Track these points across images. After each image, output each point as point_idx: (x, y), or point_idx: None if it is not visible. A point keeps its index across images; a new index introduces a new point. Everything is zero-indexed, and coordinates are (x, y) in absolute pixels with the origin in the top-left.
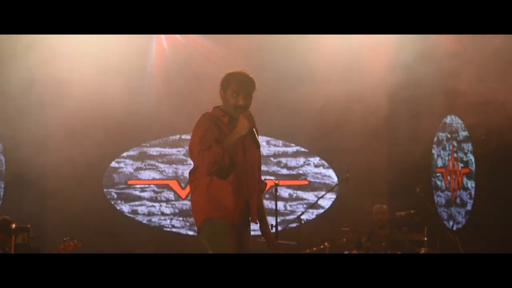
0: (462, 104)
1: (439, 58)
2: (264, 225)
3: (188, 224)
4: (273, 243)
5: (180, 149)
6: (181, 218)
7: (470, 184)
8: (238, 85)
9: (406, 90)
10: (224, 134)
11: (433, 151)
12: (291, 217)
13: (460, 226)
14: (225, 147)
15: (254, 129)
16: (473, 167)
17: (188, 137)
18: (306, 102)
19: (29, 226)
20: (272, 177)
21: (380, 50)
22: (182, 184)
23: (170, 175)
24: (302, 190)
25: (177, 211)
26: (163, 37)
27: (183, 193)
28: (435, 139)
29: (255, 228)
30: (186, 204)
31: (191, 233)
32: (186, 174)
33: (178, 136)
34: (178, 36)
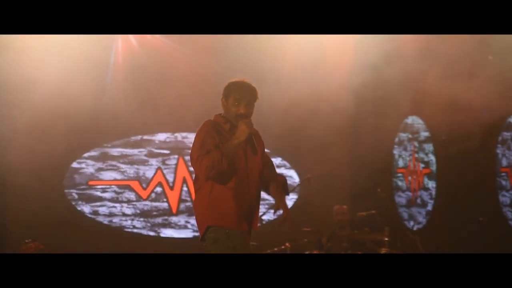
0: (428, 104)
1: (406, 58)
2: (274, 186)
3: (149, 225)
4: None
5: (142, 149)
6: (142, 219)
7: (431, 184)
8: (240, 94)
9: (373, 90)
10: (226, 140)
11: (394, 152)
12: None
13: (420, 226)
14: (224, 152)
15: (253, 135)
16: (434, 168)
17: (150, 137)
18: (270, 103)
19: None
20: None
21: (347, 50)
22: (144, 185)
23: (132, 175)
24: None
25: (138, 211)
26: (126, 37)
27: (144, 194)
28: (396, 139)
29: None
30: (148, 204)
31: (152, 233)
32: (148, 174)
33: (140, 136)
34: (141, 36)
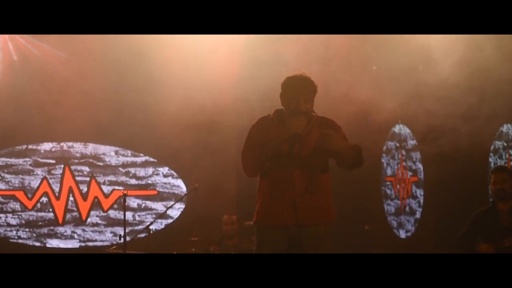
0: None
1: (289, 58)
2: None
3: (34, 235)
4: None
5: (27, 159)
6: (27, 229)
7: None
8: (297, 91)
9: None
10: (269, 134)
11: None
12: (140, 227)
13: None
14: (265, 150)
15: (300, 133)
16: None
17: (35, 147)
18: (156, 111)
19: None
20: (120, 187)
21: (241, 52)
22: (29, 195)
23: (17, 185)
24: (151, 200)
25: (23, 222)
26: (8, 42)
27: (29, 204)
28: None
29: None
30: (33, 215)
31: (37, 244)
32: (33, 184)
33: (25, 146)
34: (24, 43)
